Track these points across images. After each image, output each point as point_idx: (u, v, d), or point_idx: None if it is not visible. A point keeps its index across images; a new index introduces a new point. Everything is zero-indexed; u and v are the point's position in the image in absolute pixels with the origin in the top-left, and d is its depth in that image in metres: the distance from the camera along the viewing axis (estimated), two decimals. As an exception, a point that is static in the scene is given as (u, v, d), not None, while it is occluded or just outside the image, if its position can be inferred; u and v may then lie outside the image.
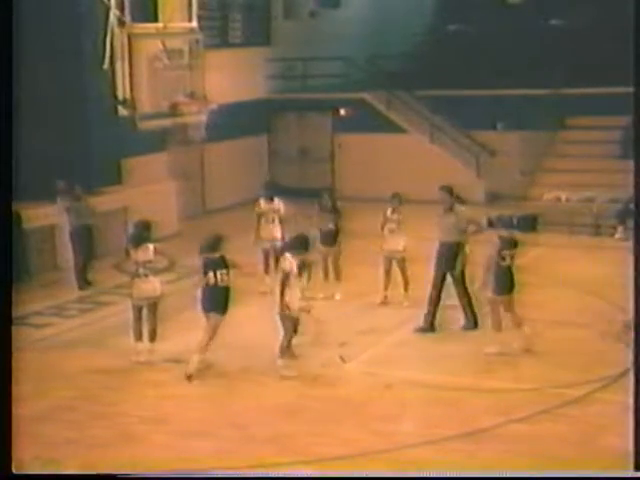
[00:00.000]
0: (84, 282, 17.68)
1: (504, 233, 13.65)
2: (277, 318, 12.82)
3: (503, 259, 13.42)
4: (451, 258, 14.50)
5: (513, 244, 13.58)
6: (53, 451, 10.55)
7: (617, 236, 20.84)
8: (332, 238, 16.33)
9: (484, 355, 13.31)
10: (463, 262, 14.53)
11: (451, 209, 14.68)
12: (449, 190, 14.82)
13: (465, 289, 14.59)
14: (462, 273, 14.58)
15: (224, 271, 12.78)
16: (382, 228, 16.03)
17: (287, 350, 12.86)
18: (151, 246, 13.53)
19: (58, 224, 18.45)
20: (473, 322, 14.56)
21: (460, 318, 14.65)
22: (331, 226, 16.26)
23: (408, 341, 14.28)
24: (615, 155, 23.37)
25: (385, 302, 16.02)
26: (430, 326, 14.52)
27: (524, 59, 25.79)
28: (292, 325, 12.78)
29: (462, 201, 15.97)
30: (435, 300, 14.55)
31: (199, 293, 12.95)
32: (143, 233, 13.62)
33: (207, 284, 12.79)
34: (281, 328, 12.81)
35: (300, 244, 12.96)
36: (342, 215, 16.51)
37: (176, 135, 22.44)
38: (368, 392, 12.33)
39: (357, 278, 16.48)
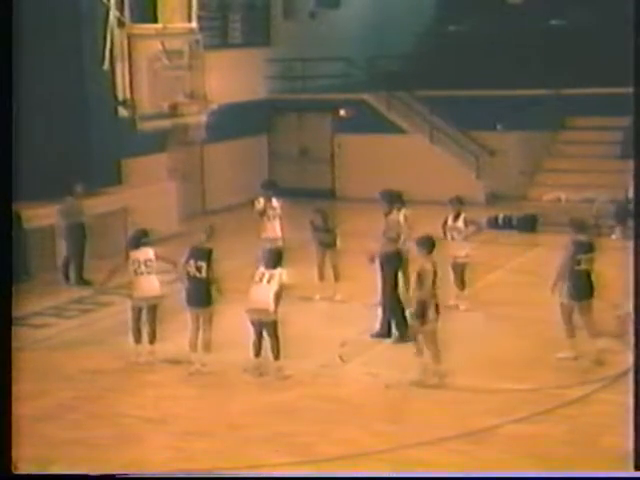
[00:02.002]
0: (81, 280, 17.88)
1: (581, 237, 13.15)
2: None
3: (578, 263, 12.93)
4: (393, 262, 14.32)
5: (589, 248, 13.08)
6: (53, 451, 10.57)
7: (614, 237, 20.83)
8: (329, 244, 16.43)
9: (556, 359, 13.04)
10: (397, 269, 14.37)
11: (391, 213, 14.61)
12: (391, 195, 14.70)
13: (395, 294, 14.33)
14: (395, 280, 14.36)
15: (203, 263, 12.93)
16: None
17: (278, 352, 12.92)
18: (151, 250, 13.61)
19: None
20: (386, 332, 14.29)
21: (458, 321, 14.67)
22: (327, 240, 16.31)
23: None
24: (615, 155, 23.37)
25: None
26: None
27: (524, 59, 25.79)
28: (270, 328, 12.81)
29: (462, 202, 15.98)
30: (398, 305, 14.22)
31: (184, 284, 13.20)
32: (142, 238, 13.72)
33: (187, 275, 13.03)
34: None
35: (273, 259, 13.06)
36: (337, 234, 16.47)
37: (176, 135, 22.44)
38: (368, 392, 12.34)
39: (357, 278, 16.46)
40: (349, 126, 26.73)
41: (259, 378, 12.83)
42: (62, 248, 18.43)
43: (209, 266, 12.96)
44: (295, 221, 17.12)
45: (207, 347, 13.12)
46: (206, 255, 13.03)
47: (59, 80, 19.78)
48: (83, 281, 17.82)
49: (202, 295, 13.05)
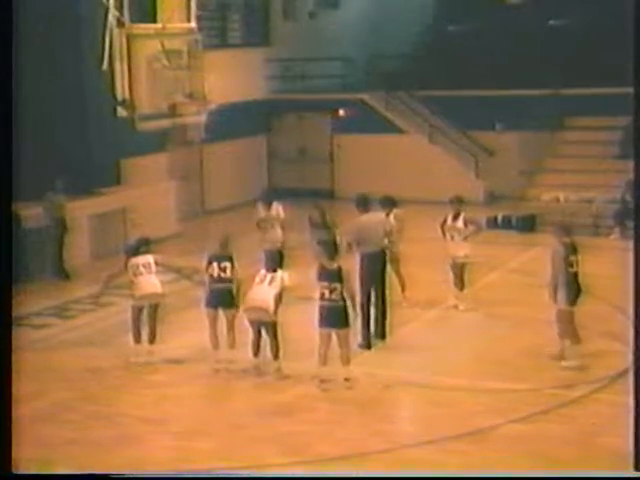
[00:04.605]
0: (64, 274, 18.30)
1: (566, 238, 13.07)
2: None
3: (571, 265, 12.85)
4: (375, 268, 14.01)
5: (575, 249, 12.99)
6: (53, 451, 10.57)
7: (612, 237, 20.87)
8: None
9: (561, 368, 12.83)
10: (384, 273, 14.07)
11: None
12: (364, 198, 14.41)
13: (384, 303, 14.04)
14: (384, 284, 14.10)
15: (227, 264, 13.03)
16: None
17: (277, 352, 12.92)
18: (150, 257, 13.64)
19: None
20: (368, 343, 13.87)
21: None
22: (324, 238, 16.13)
23: (407, 341, 14.26)
24: (614, 156, 23.38)
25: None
26: (368, 343, 13.92)
27: (524, 59, 25.80)
28: (269, 328, 12.82)
29: (462, 201, 15.96)
30: (367, 318, 13.91)
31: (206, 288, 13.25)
32: (142, 247, 13.77)
33: (210, 277, 13.10)
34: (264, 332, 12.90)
35: (274, 262, 13.12)
36: (335, 229, 16.39)
37: (175, 136, 22.45)
38: (368, 392, 12.33)
39: (356, 278, 16.44)
40: (348, 126, 26.75)
41: (258, 378, 12.83)
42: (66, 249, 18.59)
43: (233, 267, 13.08)
44: (295, 221, 17.10)
45: (233, 344, 13.25)
46: (228, 258, 13.17)
47: (58, 80, 19.78)
48: (63, 273, 18.33)
49: (228, 296, 13.14)
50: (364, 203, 14.37)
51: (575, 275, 12.92)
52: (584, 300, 14.56)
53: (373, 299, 14.00)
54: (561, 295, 12.86)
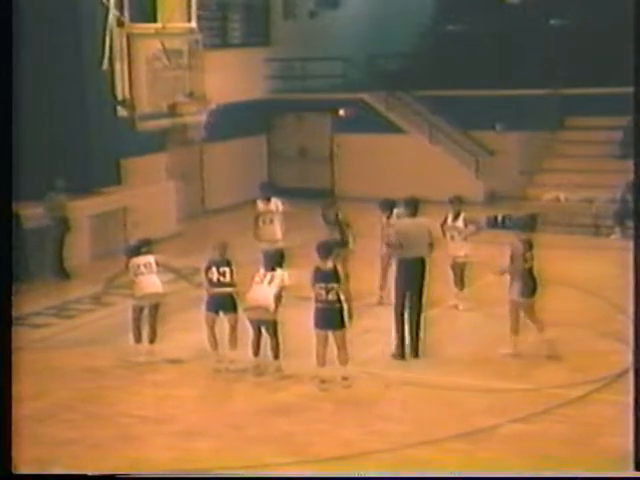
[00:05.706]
0: (64, 274, 18.36)
1: (522, 235, 13.51)
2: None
3: (526, 261, 13.27)
4: (411, 275, 13.54)
5: (531, 246, 13.43)
6: (53, 451, 10.56)
7: (613, 237, 20.86)
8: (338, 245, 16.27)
9: (500, 356, 13.21)
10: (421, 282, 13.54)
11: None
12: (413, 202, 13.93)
13: (419, 315, 13.54)
14: (420, 294, 13.59)
15: (226, 269, 13.02)
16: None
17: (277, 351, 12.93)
18: (151, 257, 13.64)
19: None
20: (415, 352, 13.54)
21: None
22: (336, 236, 16.01)
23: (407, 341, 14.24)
24: (614, 155, 23.39)
25: (381, 302, 15.90)
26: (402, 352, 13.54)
27: (524, 59, 25.80)
28: (270, 327, 12.81)
29: (462, 201, 15.97)
30: (401, 325, 13.56)
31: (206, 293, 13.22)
32: (142, 247, 13.78)
33: (209, 281, 13.06)
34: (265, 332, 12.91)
35: (274, 261, 13.08)
36: (348, 225, 16.29)
37: (175, 135, 22.45)
38: (368, 392, 12.33)
39: (357, 279, 16.43)
40: (348, 126, 26.74)
41: (259, 377, 12.83)
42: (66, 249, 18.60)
43: (232, 272, 13.05)
44: (295, 221, 17.10)
45: (235, 346, 13.20)
46: (227, 263, 13.15)
47: (59, 80, 19.79)
48: (63, 273, 18.39)
49: (229, 300, 13.11)
50: (408, 206, 13.87)
51: (530, 270, 13.33)
52: (585, 299, 14.62)
53: (407, 308, 13.57)
54: (516, 288, 13.33)
